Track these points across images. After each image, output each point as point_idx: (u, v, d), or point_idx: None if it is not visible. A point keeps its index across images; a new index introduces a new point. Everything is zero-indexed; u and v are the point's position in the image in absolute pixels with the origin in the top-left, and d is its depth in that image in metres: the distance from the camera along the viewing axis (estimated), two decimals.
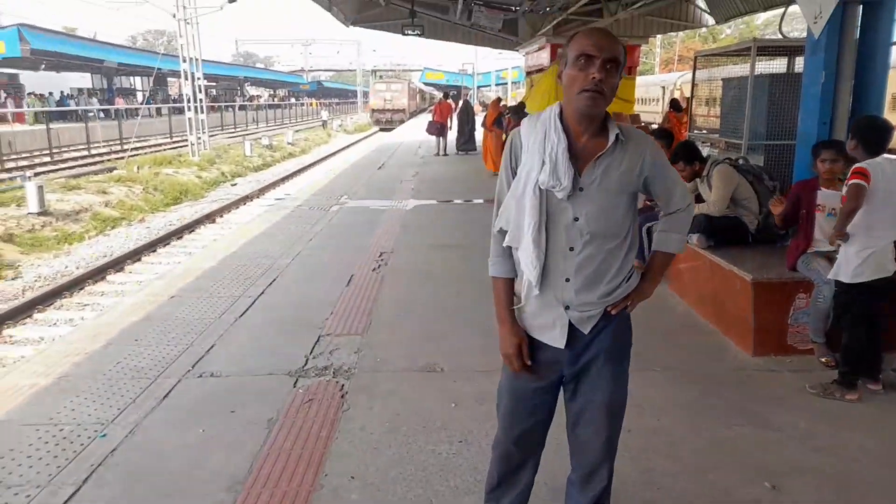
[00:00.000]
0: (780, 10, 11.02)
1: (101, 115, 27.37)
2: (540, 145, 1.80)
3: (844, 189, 3.37)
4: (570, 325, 1.89)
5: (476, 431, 3.14)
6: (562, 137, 1.79)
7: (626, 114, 12.43)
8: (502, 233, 1.93)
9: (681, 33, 21.22)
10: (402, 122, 40.80)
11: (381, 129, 40.21)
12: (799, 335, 4.09)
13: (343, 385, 3.67)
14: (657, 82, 29.03)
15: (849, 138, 3.49)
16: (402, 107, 42.33)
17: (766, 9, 13.63)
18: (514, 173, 1.89)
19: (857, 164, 3.34)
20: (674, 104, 13.09)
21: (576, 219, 1.81)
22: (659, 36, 17.22)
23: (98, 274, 8.68)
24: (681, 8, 16.98)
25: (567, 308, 1.88)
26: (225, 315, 4.82)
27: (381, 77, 48.12)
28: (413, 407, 3.42)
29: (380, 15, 19.07)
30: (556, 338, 1.91)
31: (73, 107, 27.93)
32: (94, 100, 31.74)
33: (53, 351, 4.19)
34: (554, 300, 1.88)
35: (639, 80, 20.78)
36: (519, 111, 12.77)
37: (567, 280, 1.86)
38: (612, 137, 1.81)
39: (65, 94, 32.01)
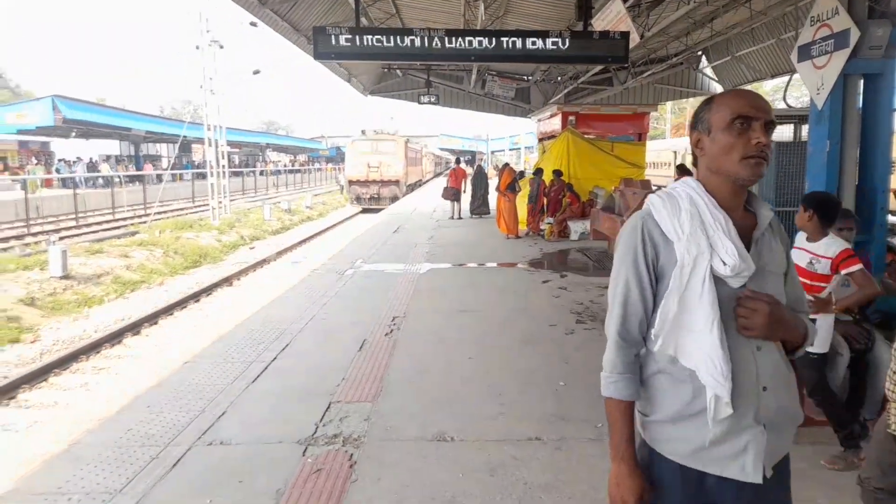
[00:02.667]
0: (787, 77, 11.28)
1: (128, 180, 28.26)
2: (698, 226, 1.49)
3: (846, 272, 3.36)
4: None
5: None
6: (724, 214, 1.51)
7: (637, 179, 12.57)
8: (631, 341, 1.57)
9: (690, 98, 21.66)
10: (394, 198, 27.51)
11: (364, 210, 27.47)
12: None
13: (352, 454, 3.64)
14: (668, 147, 29.47)
15: (801, 210, 3.52)
16: (394, 177, 27.85)
17: (772, 76, 13.97)
18: (653, 267, 1.53)
19: (845, 248, 3.38)
20: (682, 169, 13.24)
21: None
22: (669, 102, 17.59)
23: (115, 337, 8.78)
24: (689, 76, 17.48)
25: (765, 426, 1.48)
26: (237, 381, 4.85)
27: (363, 133, 29.04)
28: (422, 479, 3.38)
29: (397, 85, 19.90)
30: (747, 468, 1.47)
31: (65, 174, 27.97)
32: (106, 165, 32.56)
33: (67, 418, 4.22)
34: (746, 417, 1.47)
35: (651, 144, 21.14)
36: (539, 174, 14.00)
37: (764, 389, 1.48)
38: (765, 213, 1.57)
39: (69, 160, 33.25)
